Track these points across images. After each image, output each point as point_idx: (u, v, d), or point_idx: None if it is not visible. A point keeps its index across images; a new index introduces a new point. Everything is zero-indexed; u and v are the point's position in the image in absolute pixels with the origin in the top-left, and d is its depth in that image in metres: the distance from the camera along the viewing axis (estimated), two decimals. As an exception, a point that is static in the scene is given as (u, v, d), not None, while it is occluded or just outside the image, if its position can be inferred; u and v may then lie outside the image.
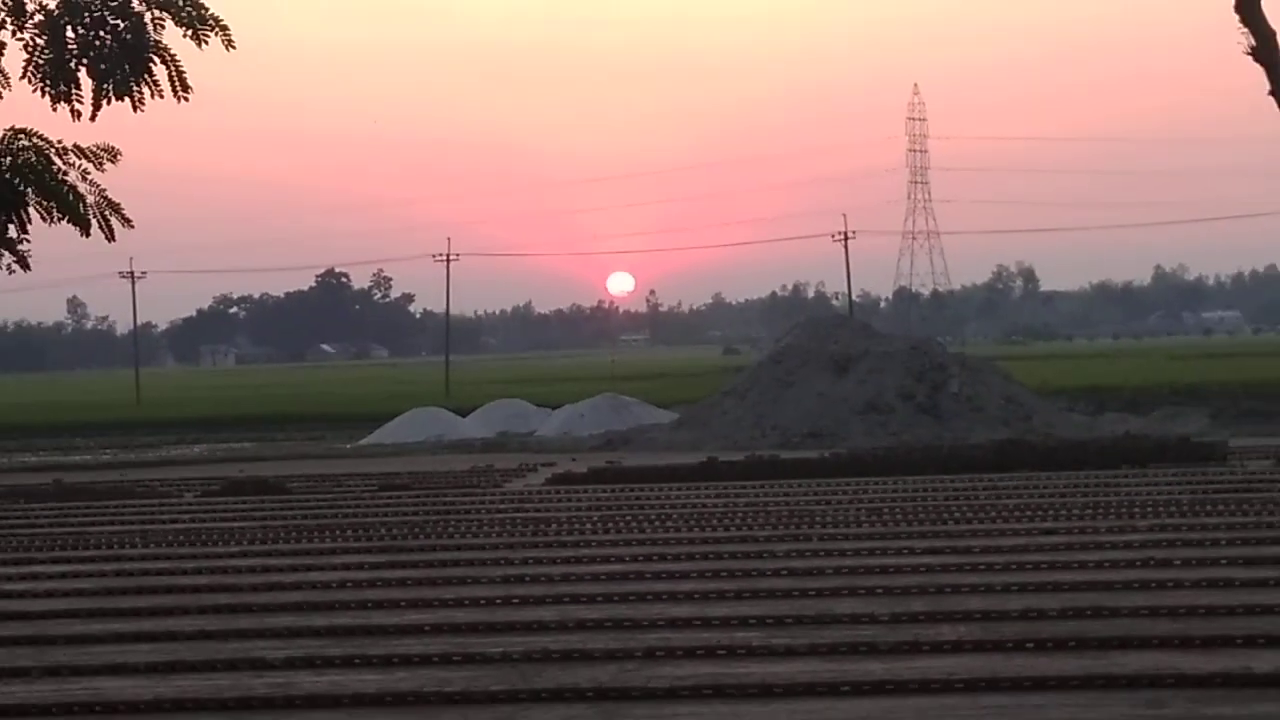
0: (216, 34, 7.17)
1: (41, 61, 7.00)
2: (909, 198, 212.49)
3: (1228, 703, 15.28)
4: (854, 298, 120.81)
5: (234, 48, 7.19)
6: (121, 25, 6.97)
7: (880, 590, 22.06)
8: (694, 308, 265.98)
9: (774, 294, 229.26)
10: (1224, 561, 23.83)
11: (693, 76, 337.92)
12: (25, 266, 7.29)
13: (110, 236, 7.29)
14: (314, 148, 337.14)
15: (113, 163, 7.26)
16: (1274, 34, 9.33)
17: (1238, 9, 9.33)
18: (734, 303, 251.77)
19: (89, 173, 7.20)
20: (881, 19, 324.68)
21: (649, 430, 57.54)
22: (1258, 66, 9.42)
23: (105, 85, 7.08)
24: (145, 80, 7.17)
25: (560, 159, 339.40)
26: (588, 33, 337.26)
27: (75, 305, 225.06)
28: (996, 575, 23.08)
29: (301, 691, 16.92)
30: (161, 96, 7.23)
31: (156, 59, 7.15)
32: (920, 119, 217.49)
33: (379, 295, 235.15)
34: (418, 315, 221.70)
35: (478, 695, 16.52)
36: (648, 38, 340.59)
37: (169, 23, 7.08)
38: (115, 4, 6.98)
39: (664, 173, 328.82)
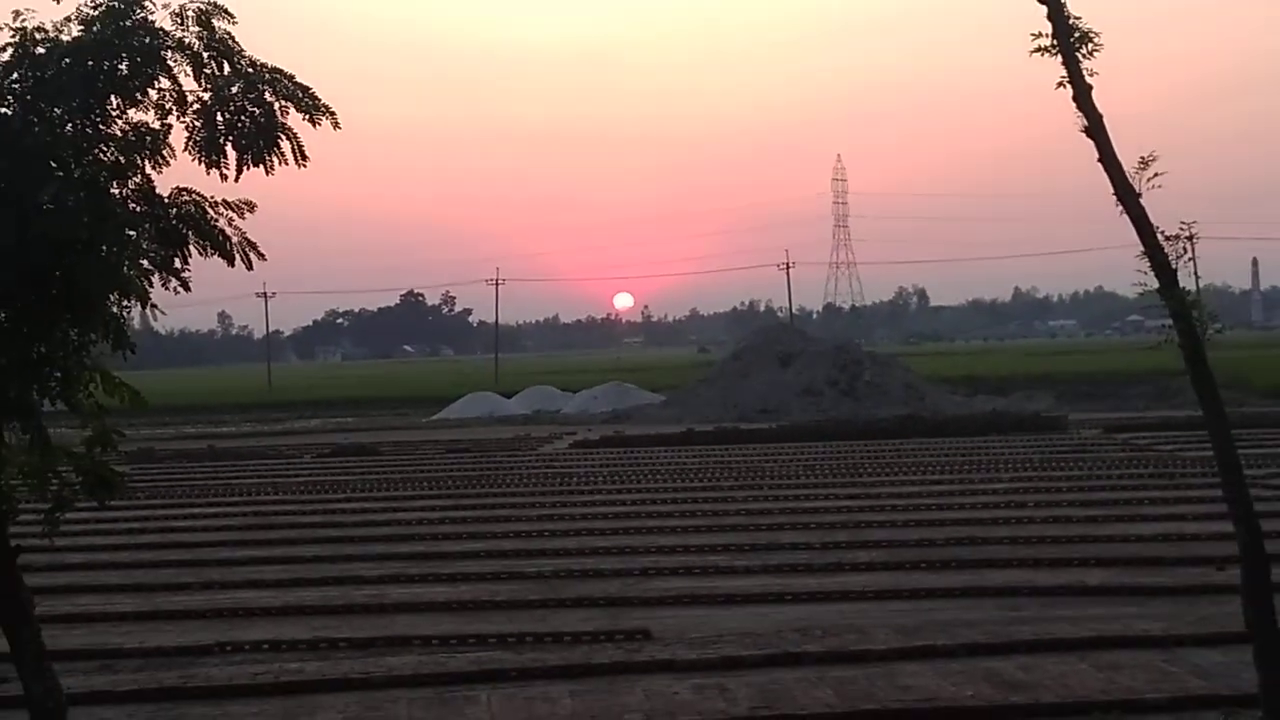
0: (326, 117, 7.07)
1: (199, 139, 6.92)
2: (833, 237, 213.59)
3: (1068, 607, 15.27)
4: (793, 311, 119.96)
5: (339, 128, 7.12)
6: (257, 111, 6.89)
7: (813, 525, 21.92)
8: (677, 318, 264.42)
9: (735, 308, 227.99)
10: (1064, 504, 23.69)
11: (675, 146, 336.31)
12: (187, 288, 7.06)
13: (249, 266, 7.08)
14: (401, 200, 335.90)
15: (250, 212, 7.12)
16: (1101, 117, 9.39)
17: (1074, 99, 9.38)
18: (706, 315, 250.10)
19: (233, 219, 7.03)
20: (815, 105, 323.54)
21: (644, 408, 57.23)
22: (1090, 141, 9.47)
23: (245, 156, 6.96)
24: (275, 152, 7.01)
25: (580, 208, 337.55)
26: (598, 112, 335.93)
27: (224, 317, 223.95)
28: (898, 514, 22.98)
29: (390, 600, 17.00)
30: (286, 164, 7.08)
31: (283, 136, 7.03)
32: (842, 180, 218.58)
33: (446, 310, 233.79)
34: (474, 324, 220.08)
35: (519, 603, 16.62)
36: (644, 117, 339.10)
37: (292, 109, 7.00)
38: (252, 96, 6.89)
39: (654, 219, 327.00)
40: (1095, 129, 9.36)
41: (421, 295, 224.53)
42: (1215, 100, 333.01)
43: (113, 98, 6.71)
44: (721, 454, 36.38)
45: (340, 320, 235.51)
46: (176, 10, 6.77)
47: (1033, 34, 9.31)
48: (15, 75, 6.62)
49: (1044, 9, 9.29)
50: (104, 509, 7.36)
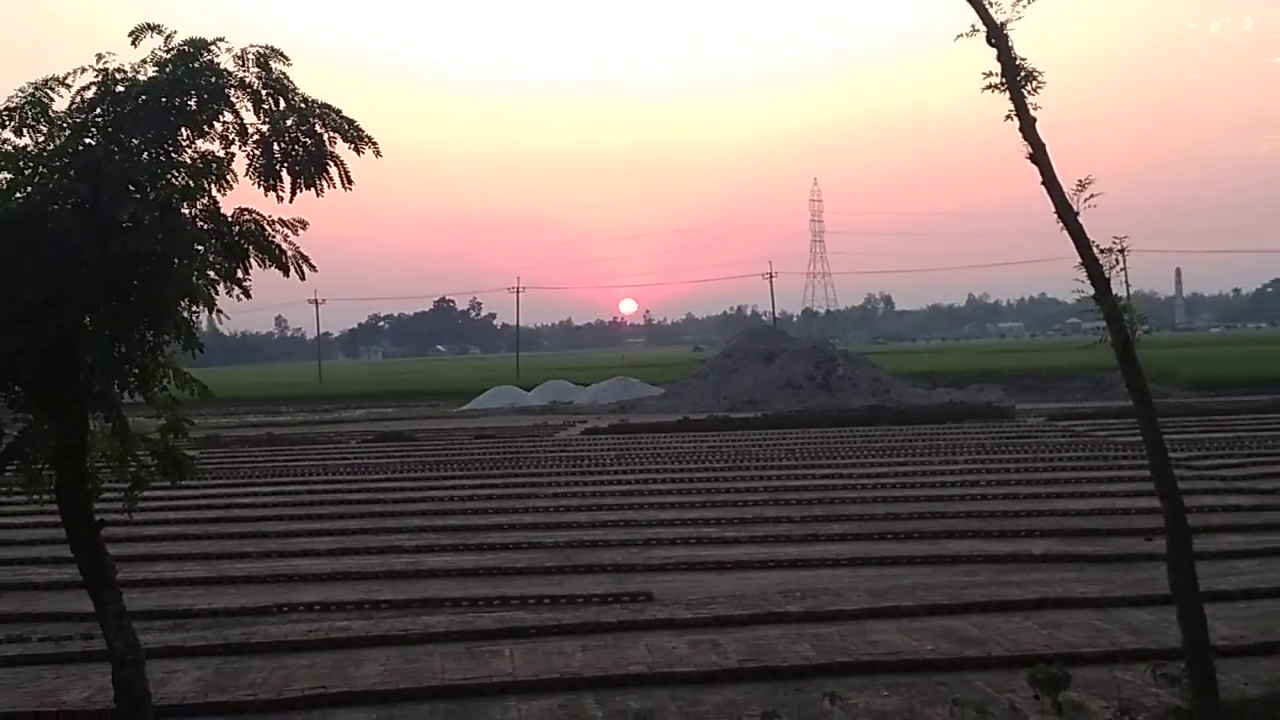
0: (369, 146, 7.06)
1: (258, 165, 6.90)
2: (811, 251, 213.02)
3: (1015, 573, 15.36)
4: (776, 315, 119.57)
5: (380, 155, 7.11)
6: (309, 142, 6.88)
7: (793, 501, 21.99)
8: (674, 321, 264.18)
9: (725, 312, 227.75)
10: (1012, 482, 23.77)
11: (672, 171, 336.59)
12: (247, 295, 7.05)
13: (302, 276, 7.05)
14: (435, 218, 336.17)
15: (303, 229, 7.07)
16: (1044, 145, 9.38)
17: (1020, 130, 9.38)
18: (700, 318, 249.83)
19: (288, 235, 7.00)
20: (794, 135, 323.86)
21: (646, 400, 57.34)
22: (1034, 166, 9.48)
23: (298, 180, 6.94)
24: (324, 176, 6.99)
25: (590, 225, 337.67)
26: (606, 141, 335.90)
27: (280, 320, 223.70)
28: (868, 491, 22.99)
29: (425, 567, 17.09)
30: (334, 187, 7.06)
31: (331, 163, 7.00)
32: (818, 201, 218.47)
33: (474, 314, 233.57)
34: (498, 327, 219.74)
35: (538, 569, 16.69)
36: (645, 146, 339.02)
37: (339, 140, 6.98)
38: (305, 128, 6.87)
39: (656, 235, 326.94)
40: (1039, 156, 9.37)
41: (452, 301, 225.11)
42: (1144, 134, 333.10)
43: (183, 130, 6.73)
44: (713, 440, 36.48)
45: (381, 323, 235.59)
46: (238, 53, 6.79)
47: (984, 73, 9.33)
48: (99, 110, 6.64)
49: (995, 51, 9.31)
50: (176, 488, 7.36)
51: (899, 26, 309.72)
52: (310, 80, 6.93)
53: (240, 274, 6.99)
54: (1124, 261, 9.58)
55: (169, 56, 6.66)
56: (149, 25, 6.66)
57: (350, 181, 7.13)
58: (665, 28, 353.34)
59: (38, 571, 17.00)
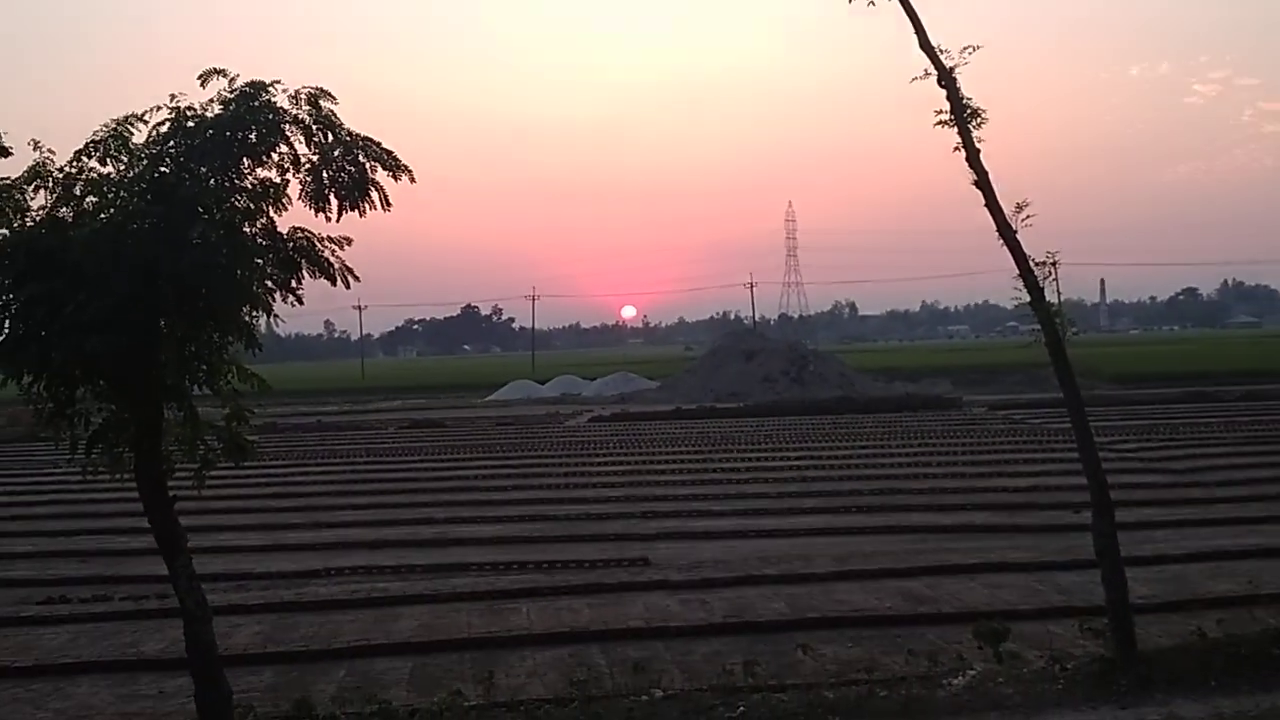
0: (405, 173, 7.01)
1: (309, 190, 6.85)
2: (785, 263, 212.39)
3: (960, 541, 15.40)
4: (755, 318, 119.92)
5: (414, 181, 7.06)
6: (353, 170, 6.83)
7: (770, 479, 22.01)
8: (668, 324, 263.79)
9: (712, 317, 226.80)
10: (959, 463, 23.83)
11: (665, 194, 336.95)
12: (300, 302, 6.96)
13: (347, 285, 6.99)
14: (462, 236, 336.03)
15: (348, 245, 7.00)
16: (987, 173, 9.38)
17: (967, 160, 9.38)
18: (691, 321, 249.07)
19: (335, 250, 6.93)
20: (771, 162, 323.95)
21: (644, 392, 57.22)
22: (979, 191, 9.48)
23: (344, 203, 6.89)
24: (366, 200, 6.94)
25: (595, 241, 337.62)
26: (609, 166, 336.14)
27: (328, 324, 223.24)
28: (834, 470, 23.04)
29: (452, 536, 17.08)
30: (375, 209, 6.99)
31: (372, 188, 6.95)
32: (792, 220, 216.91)
33: (495, 318, 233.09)
34: (516, 329, 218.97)
35: (549, 538, 16.69)
36: (642, 172, 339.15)
37: (379, 168, 6.93)
38: (349, 158, 6.82)
39: (651, 249, 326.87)
40: (982, 182, 9.38)
41: (477, 307, 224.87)
42: (1073, 162, 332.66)
43: (244, 159, 6.72)
44: (702, 426, 36.47)
45: (416, 326, 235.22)
46: (292, 94, 6.78)
47: (936, 110, 9.34)
48: (171, 142, 6.63)
49: (945, 92, 9.33)
50: (238, 468, 7.37)
51: (867, 70, 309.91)
52: (354, 116, 6.95)
53: (294, 284, 6.96)
54: (1055, 273, 9.57)
55: (232, 96, 6.66)
56: (215, 69, 6.66)
57: (389, 204, 7.11)
58: (660, 68, 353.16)
59: (119, 540, 17.02)
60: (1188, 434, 28.45)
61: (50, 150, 6.73)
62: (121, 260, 6.31)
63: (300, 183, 6.93)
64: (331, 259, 6.94)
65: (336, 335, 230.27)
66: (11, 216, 6.61)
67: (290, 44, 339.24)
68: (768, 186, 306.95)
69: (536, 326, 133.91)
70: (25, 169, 6.69)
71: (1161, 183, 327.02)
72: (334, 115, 6.84)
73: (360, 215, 7.01)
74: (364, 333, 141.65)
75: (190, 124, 6.62)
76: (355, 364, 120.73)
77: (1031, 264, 9.34)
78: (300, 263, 6.90)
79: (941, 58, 9.25)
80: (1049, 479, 20.41)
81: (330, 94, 6.84)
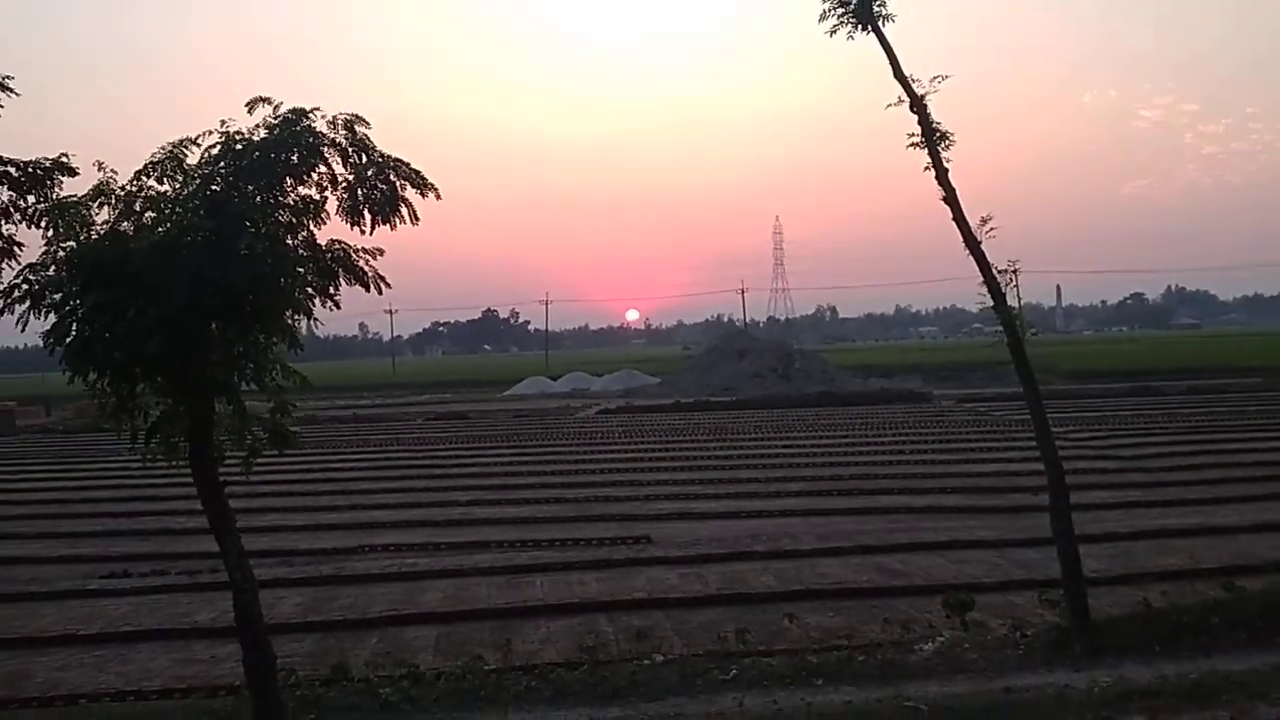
0: (432, 191, 6.94)
1: (345, 206, 6.81)
2: (773, 271, 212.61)
3: (931, 521, 15.42)
4: (746, 321, 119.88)
5: (440, 198, 7.00)
6: (385, 188, 6.78)
7: (760, 465, 22.02)
8: (668, 326, 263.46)
9: (707, 319, 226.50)
10: (929, 450, 23.86)
11: (667, 209, 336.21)
12: (337, 306, 6.91)
13: (380, 292, 6.95)
14: (483, 245, 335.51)
15: (380, 256, 6.90)
16: (954, 190, 9.35)
17: (936, 178, 9.36)
18: (689, 324, 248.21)
19: (369, 260, 6.85)
20: (761, 180, 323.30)
21: (646, 388, 57.21)
22: (948, 206, 9.47)
23: (377, 218, 6.84)
24: (397, 215, 6.88)
25: (602, 251, 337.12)
26: (617, 181, 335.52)
27: (363, 326, 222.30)
28: (818, 457, 23.05)
29: (474, 517, 17.10)
30: (405, 223, 6.92)
31: (403, 204, 6.89)
32: (779, 233, 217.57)
33: (513, 321, 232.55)
34: (532, 331, 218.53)
35: (561, 518, 16.68)
36: (646, 188, 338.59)
37: (409, 186, 6.88)
38: (382, 177, 6.77)
39: (653, 259, 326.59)
40: (951, 198, 9.37)
41: (496, 311, 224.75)
42: (1032, 179, 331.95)
43: (287, 179, 6.71)
44: (698, 419, 36.50)
45: (441, 328, 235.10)
46: (330, 119, 6.78)
47: (909, 134, 9.34)
48: (222, 163, 6.63)
49: (916, 117, 9.33)
50: (282, 456, 7.38)
51: (848, 98, 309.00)
52: (385, 138, 6.93)
53: (332, 290, 6.94)
54: (1016, 279, 9.55)
55: (276, 122, 6.65)
56: (261, 98, 6.66)
57: (417, 219, 7.09)
58: (662, 98, 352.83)
59: (175, 521, 17.05)
60: (1135, 425, 28.43)
61: (113, 170, 6.74)
62: (177, 270, 6.31)
63: (337, 199, 6.91)
64: (365, 268, 6.93)
65: (370, 336, 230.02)
66: (78, 231, 6.62)
67: (331, 73, 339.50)
68: (757, 202, 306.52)
69: (549, 328, 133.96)
70: (90, 187, 6.69)
71: (1112, 198, 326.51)
72: (368, 138, 6.84)
73: (391, 229, 6.98)
74: (394, 334, 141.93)
75: (239, 147, 6.62)
76: (386, 362, 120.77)
77: (995, 271, 9.33)
78: (337, 271, 6.88)
79: (914, 86, 9.25)
80: (1010, 465, 20.41)
81: (364, 119, 6.82)
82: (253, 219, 6.54)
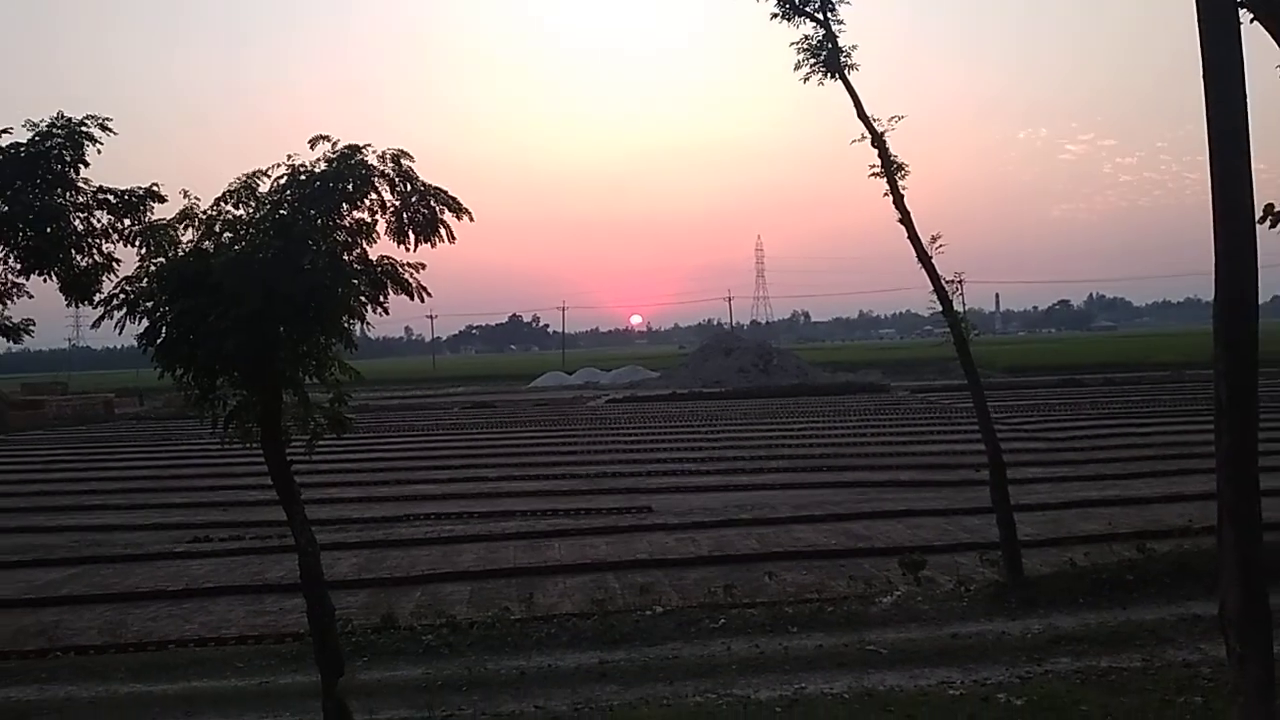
0: (466, 215, 6.82)
1: (392, 227, 6.68)
2: (756, 282, 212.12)
3: (890, 493, 15.38)
4: (733, 324, 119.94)
5: (473, 219, 6.91)
6: (426, 212, 6.64)
7: (745, 445, 21.98)
8: (666, 329, 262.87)
9: (700, 323, 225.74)
10: (889, 433, 23.79)
11: (665, 228, 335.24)
12: (386, 312, 6.90)
13: (422, 300, 6.94)
14: (509, 259, 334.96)
15: (422, 270, 6.91)
16: (909, 212, 9.36)
17: (894, 203, 9.38)
18: (684, 327, 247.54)
19: (413, 273, 6.70)
20: (744, 202, 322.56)
21: (648, 381, 57.04)
22: (903, 226, 9.49)
23: (419, 237, 6.70)
24: (436, 235, 6.74)
25: (611, 263, 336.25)
26: (623, 204, 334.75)
27: (407, 329, 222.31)
28: (796, 439, 22.97)
29: (502, 490, 17.07)
30: (443, 241, 6.76)
31: (441, 226, 6.76)
32: (761, 250, 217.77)
33: (535, 325, 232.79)
34: (550, 333, 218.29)
35: (575, 491, 16.65)
36: (647, 210, 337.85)
37: (446, 211, 6.73)
38: (424, 203, 6.63)
39: (654, 270, 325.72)
40: (905, 219, 9.40)
41: (521, 315, 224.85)
42: (976, 203, 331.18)
43: (343, 204, 6.71)
44: (692, 407, 36.45)
45: (474, 330, 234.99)
46: (380, 154, 6.80)
47: (870, 165, 9.37)
48: (288, 191, 6.64)
49: (877, 150, 9.34)
50: (340, 439, 7.39)
51: (818, 134, 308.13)
52: (426, 168, 6.92)
53: (381, 299, 6.93)
54: (961, 288, 9.58)
55: (334, 155, 6.65)
56: (322, 135, 6.66)
57: (454, 238, 7.07)
58: (663, 132, 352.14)
59: (249, 494, 17.07)
60: (1062, 412, 28.38)
61: (196, 197, 6.76)
62: (250, 282, 6.32)
63: (386, 222, 6.88)
64: (410, 280, 6.90)
65: (413, 337, 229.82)
66: (167, 249, 6.65)
67: (384, 115, 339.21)
68: (742, 221, 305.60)
69: (566, 331, 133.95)
70: (177, 212, 6.72)
71: (1043, 218, 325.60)
72: (412, 170, 6.84)
73: (432, 246, 6.91)
74: (434, 335, 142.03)
75: (303, 177, 6.62)
76: (427, 359, 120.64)
77: (943, 281, 9.35)
78: (386, 283, 6.85)
79: (874, 124, 9.26)
80: (956, 446, 20.39)
81: (409, 154, 6.83)
82: (314, 239, 6.53)
